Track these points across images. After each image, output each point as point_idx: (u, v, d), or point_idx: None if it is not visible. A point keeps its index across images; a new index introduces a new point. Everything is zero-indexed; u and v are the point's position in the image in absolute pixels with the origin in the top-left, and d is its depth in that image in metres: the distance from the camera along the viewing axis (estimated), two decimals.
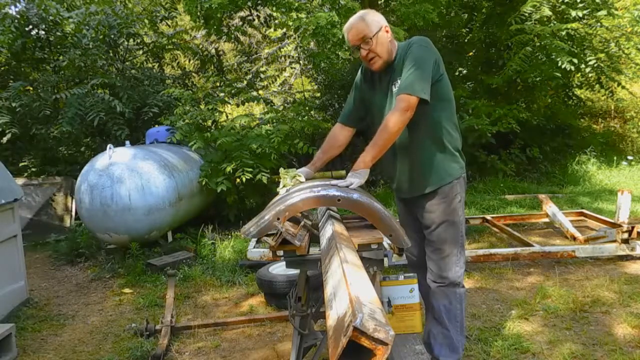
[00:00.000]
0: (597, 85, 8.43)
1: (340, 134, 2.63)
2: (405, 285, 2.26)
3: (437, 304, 2.51)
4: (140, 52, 8.82)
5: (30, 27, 6.91)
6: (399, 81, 2.29)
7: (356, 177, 2.19)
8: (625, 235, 4.24)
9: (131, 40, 7.93)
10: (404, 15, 6.13)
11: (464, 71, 8.89)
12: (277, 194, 2.34)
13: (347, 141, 2.63)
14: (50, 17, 6.85)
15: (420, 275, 2.55)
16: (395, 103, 2.22)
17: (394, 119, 2.19)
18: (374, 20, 2.31)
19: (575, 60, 6.39)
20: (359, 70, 2.59)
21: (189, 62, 10.06)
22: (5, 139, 6.55)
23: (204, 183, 5.52)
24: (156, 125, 6.62)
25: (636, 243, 4.24)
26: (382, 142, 2.23)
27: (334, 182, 2.17)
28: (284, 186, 2.34)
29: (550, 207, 5.34)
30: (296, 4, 6.42)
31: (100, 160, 4.82)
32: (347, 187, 2.13)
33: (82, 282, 4.64)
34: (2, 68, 7.60)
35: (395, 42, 2.40)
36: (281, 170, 2.41)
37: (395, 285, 2.28)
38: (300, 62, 10.87)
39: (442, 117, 2.34)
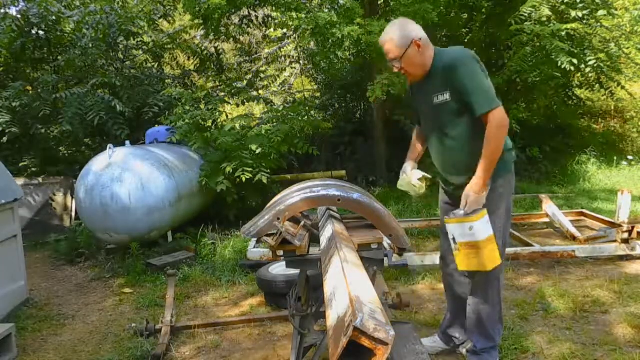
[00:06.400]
0: (597, 85, 8.43)
1: (419, 131, 2.76)
2: (464, 223, 2.25)
3: (472, 295, 2.55)
4: (140, 51, 8.82)
5: (31, 27, 6.91)
6: (442, 96, 2.36)
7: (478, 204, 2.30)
8: (625, 235, 4.24)
9: (131, 39, 7.93)
10: (405, 15, 6.12)
11: None
12: (277, 193, 2.35)
13: None
14: (53, 17, 6.85)
15: (446, 267, 2.74)
16: (488, 122, 2.25)
17: (494, 135, 2.25)
18: (403, 37, 2.34)
19: (575, 61, 6.38)
20: None
21: (189, 60, 10.06)
22: (5, 139, 6.55)
23: (204, 183, 5.52)
24: (156, 125, 6.62)
25: (636, 243, 4.24)
26: (491, 156, 2.27)
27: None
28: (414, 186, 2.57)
29: (550, 207, 5.33)
30: (295, 4, 6.40)
31: (101, 160, 4.82)
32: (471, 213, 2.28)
33: (82, 282, 4.64)
34: (1, 68, 7.60)
35: (431, 50, 2.41)
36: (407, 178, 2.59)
37: (455, 222, 2.29)
38: (300, 62, 10.87)
39: None
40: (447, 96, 2.34)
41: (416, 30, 2.37)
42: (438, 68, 2.37)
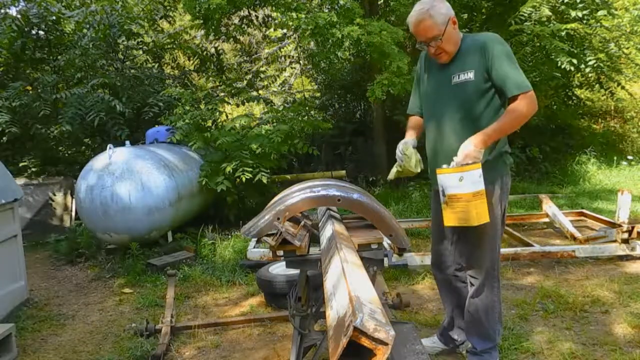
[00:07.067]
0: (597, 85, 8.43)
1: (416, 119, 2.69)
2: (453, 173, 2.14)
3: (471, 297, 2.54)
4: (140, 51, 8.82)
5: (31, 27, 6.91)
6: (464, 75, 2.31)
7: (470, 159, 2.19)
8: (625, 235, 4.24)
9: (131, 39, 7.93)
10: (404, 15, 6.12)
11: None
12: (277, 193, 2.34)
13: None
14: (53, 17, 6.85)
15: (440, 273, 2.70)
16: (519, 101, 2.22)
17: (523, 109, 2.21)
18: (441, 14, 2.28)
19: (575, 61, 6.38)
20: (420, 59, 2.61)
21: (189, 60, 10.06)
22: (5, 139, 6.55)
23: (204, 183, 5.52)
24: (156, 125, 6.62)
25: (636, 243, 4.24)
26: (507, 122, 2.24)
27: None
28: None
29: (550, 207, 5.33)
30: (295, 4, 6.40)
31: (100, 160, 4.82)
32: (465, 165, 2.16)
33: (82, 282, 4.64)
34: (1, 68, 7.60)
35: (459, 31, 2.39)
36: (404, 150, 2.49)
37: (445, 173, 2.18)
38: (300, 62, 10.87)
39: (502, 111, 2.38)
40: (470, 75, 2.30)
41: (450, 8, 2.33)
42: (467, 49, 2.34)
